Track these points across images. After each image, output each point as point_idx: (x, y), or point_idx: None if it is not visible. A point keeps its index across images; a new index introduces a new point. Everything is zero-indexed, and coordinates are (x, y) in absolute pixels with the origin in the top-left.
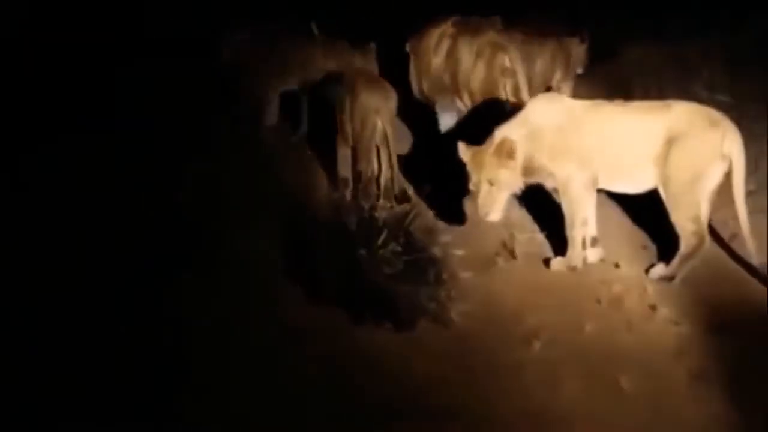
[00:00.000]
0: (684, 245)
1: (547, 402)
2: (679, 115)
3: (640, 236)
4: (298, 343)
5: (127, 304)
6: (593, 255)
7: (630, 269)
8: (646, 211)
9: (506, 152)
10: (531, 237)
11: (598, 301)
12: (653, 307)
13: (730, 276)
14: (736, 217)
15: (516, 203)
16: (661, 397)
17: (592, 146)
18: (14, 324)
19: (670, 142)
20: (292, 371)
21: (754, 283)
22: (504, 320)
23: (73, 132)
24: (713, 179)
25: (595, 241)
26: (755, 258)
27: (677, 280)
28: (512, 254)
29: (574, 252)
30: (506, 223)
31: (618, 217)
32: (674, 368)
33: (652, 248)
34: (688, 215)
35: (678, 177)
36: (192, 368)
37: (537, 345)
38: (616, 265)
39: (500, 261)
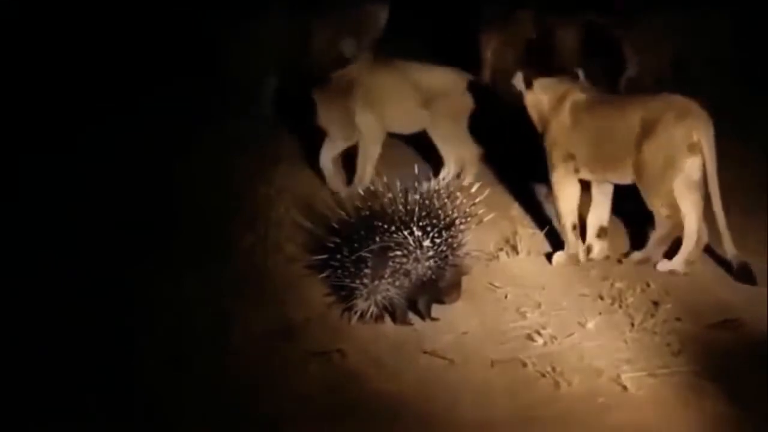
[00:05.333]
0: (658, 227)
1: (548, 399)
2: (652, 106)
3: (642, 232)
4: (300, 339)
5: (122, 302)
6: (598, 247)
7: (632, 265)
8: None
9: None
10: (534, 233)
11: (601, 298)
12: (656, 304)
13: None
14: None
15: (519, 199)
16: (664, 395)
17: (581, 139)
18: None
19: (643, 135)
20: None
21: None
22: (505, 316)
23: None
24: (686, 170)
25: (602, 232)
26: (729, 251)
27: (661, 267)
28: (515, 250)
29: (568, 240)
30: (509, 218)
31: (620, 212)
32: (676, 365)
33: None
34: (663, 202)
35: (649, 168)
36: (189, 360)
37: (539, 341)
38: (619, 261)
39: (502, 256)
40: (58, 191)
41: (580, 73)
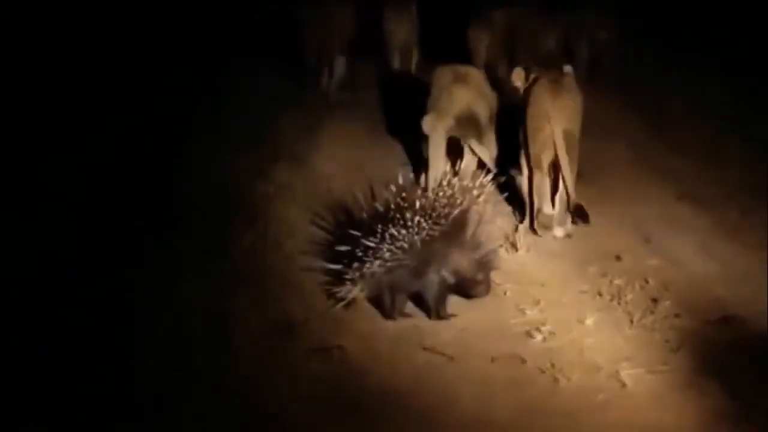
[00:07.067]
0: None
1: (547, 395)
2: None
3: (642, 229)
4: (300, 337)
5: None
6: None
7: (631, 262)
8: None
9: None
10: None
11: (600, 294)
12: (655, 300)
13: (731, 270)
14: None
15: (517, 195)
16: (662, 391)
17: None
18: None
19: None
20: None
21: (756, 277)
22: (505, 312)
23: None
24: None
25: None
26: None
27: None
28: (514, 246)
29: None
30: (509, 215)
31: (619, 209)
32: (675, 362)
33: (654, 241)
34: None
35: (531, 136)
36: (189, 360)
37: (538, 337)
38: (618, 258)
39: (502, 253)
40: (58, 191)
41: (568, 68)
